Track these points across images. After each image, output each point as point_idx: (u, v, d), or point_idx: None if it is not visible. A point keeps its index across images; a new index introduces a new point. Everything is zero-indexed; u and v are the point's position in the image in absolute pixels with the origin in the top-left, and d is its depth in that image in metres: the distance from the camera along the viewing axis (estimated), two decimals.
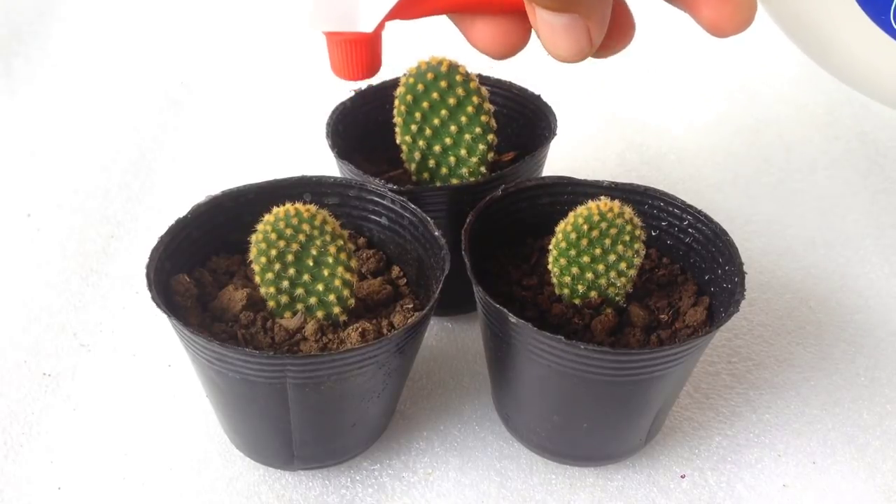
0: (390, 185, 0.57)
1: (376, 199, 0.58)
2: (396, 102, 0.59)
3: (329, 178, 0.58)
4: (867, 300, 0.67)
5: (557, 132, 0.62)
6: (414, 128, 0.59)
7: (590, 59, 0.43)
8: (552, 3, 0.40)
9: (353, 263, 0.52)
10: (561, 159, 0.75)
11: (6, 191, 0.76)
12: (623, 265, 0.52)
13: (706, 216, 0.55)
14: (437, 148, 0.59)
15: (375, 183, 0.57)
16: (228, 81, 0.91)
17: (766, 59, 0.93)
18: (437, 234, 0.53)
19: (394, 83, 0.61)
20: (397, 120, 0.59)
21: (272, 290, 0.51)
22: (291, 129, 0.84)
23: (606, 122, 0.85)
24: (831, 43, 0.46)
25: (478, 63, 0.61)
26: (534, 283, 0.55)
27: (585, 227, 0.51)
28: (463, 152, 0.59)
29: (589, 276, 0.52)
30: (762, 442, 0.57)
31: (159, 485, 0.54)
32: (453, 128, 0.58)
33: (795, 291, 0.68)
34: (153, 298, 0.49)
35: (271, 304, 0.52)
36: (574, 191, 0.58)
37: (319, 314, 0.52)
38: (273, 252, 0.50)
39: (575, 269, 0.52)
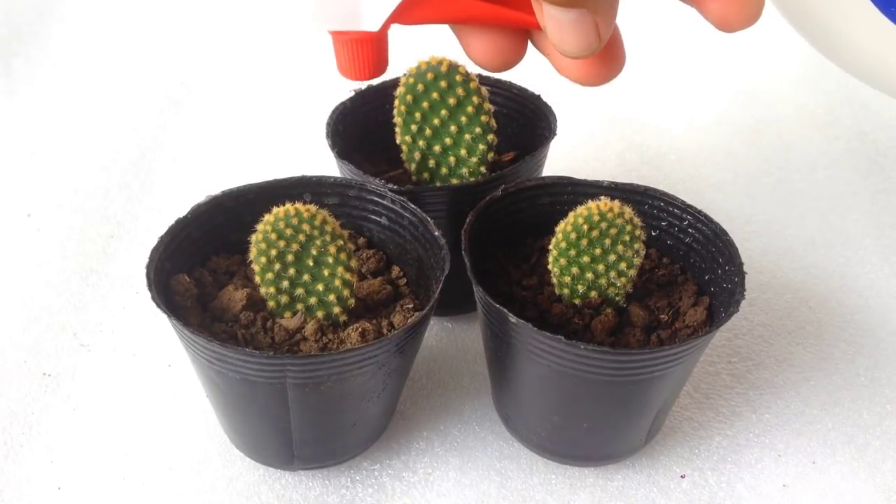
0: (390, 185, 0.57)
1: (376, 199, 0.58)
2: (396, 102, 0.59)
3: (329, 178, 0.58)
4: (867, 300, 0.67)
5: (557, 132, 0.62)
6: (414, 128, 0.59)
7: (599, 51, 0.43)
8: None
9: (353, 263, 0.52)
10: (561, 159, 0.75)
11: (6, 191, 0.76)
12: (623, 265, 0.52)
13: (706, 216, 0.55)
14: (437, 148, 0.59)
15: (375, 183, 0.57)
16: (228, 81, 0.91)
17: (766, 59, 0.93)
18: (437, 234, 0.53)
19: (394, 83, 0.61)
20: (397, 120, 0.59)
21: (272, 290, 0.51)
22: (291, 129, 0.84)
23: (606, 122, 0.85)
24: (839, 34, 0.46)
25: None
26: (534, 283, 0.55)
27: (585, 227, 0.51)
28: (463, 152, 0.59)
29: (589, 276, 0.52)
30: (762, 442, 0.57)
31: (159, 485, 0.54)
32: (453, 128, 0.58)
33: (795, 291, 0.68)
34: (153, 298, 0.49)
35: (271, 304, 0.52)
36: (574, 191, 0.58)
37: (319, 314, 0.52)
38: (273, 252, 0.50)
39: (575, 269, 0.52)
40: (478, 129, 0.58)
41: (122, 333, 0.64)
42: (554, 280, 0.53)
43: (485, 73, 0.64)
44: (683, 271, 0.57)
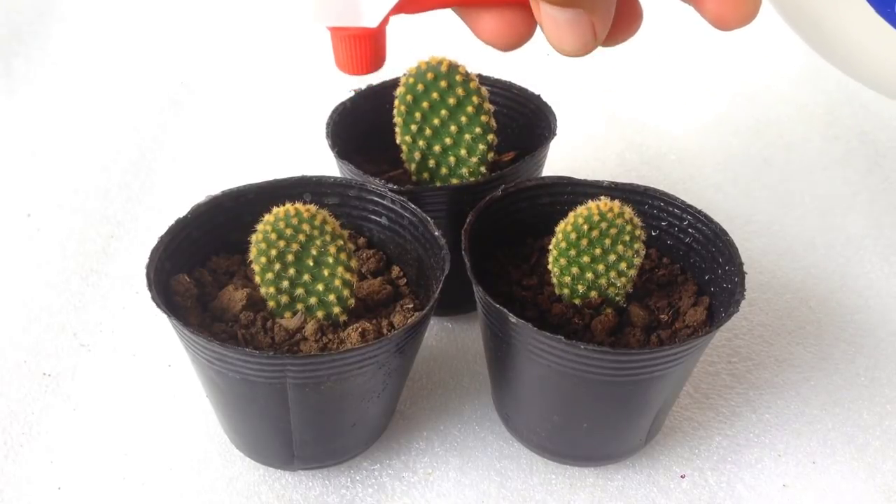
0: (390, 185, 0.57)
1: (376, 199, 0.58)
2: (396, 102, 0.59)
3: (329, 178, 0.58)
4: (867, 300, 0.67)
5: (557, 132, 0.62)
6: (414, 128, 0.59)
7: (596, 49, 0.43)
8: None
9: (353, 263, 0.52)
10: (561, 159, 0.75)
11: (6, 191, 0.76)
12: (623, 265, 0.52)
13: (706, 216, 0.55)
14: (437, 148, 0.59)
15: (375, 183, 0.57)
16: (228, 81, 0.91)
17: (766, 60, 0.93)
18: (437, 234, 0.53)
19: (394, 83, 0.61)
20: (397, 120, 0.59)
21: (272, 290, 0.51)
22: (291, 129, 0.84)
23: (606, 122, 0.85)
24: (835, 35, 0.46)
25: (478, 63, 0.62)
26: (534, 283, 0.55)
27: (585, 227, 0.51)
28: (463, 152, 0.59)
29: (589, 275, 0.52)
30: (762, 442, 0.57)
31: (159, 485, 0.54)
32: (453, 128, 0.58)
33: (795, 291, 0.68)
34: (153, 298, 0.49)
35: (271, 304, 0.52)
36: (574, 191, 0.58)
37: (319, 314, 0.52)
38: (273, 252, 0.50)
39: (575, 269, 0.52)
40: (478, 129, 0.58)
41: (122, 333, 0.64)
42: (554, 280, 0.53)
43: (485, 73, 0.65)
44: (683, 271, 0.57)
